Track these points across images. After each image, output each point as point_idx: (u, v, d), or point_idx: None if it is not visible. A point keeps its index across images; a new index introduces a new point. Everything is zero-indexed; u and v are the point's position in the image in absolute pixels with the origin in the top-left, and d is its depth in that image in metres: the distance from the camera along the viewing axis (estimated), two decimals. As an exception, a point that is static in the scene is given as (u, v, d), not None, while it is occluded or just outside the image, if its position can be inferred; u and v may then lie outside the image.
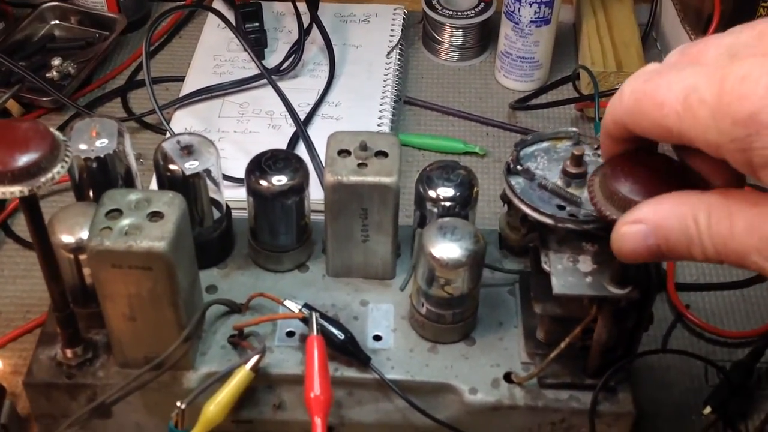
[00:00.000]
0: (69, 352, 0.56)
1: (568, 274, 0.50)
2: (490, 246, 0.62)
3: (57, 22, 0.94)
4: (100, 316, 0.53)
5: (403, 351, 0.57)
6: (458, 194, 0.58)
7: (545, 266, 0.51)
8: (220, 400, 0.52)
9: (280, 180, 0.58)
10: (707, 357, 0.63)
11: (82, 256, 0.54)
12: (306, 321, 0.55)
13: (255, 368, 0.54)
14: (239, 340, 0.57)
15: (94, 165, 0.57)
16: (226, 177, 0.73)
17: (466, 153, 0.83)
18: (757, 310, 0.70)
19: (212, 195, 0.60)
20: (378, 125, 0.83)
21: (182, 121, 0.83)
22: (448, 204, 0.58)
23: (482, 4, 0.91)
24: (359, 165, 0.56)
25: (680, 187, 0.40)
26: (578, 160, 0.51)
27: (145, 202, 0.51)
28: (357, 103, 0.86)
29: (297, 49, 0.89)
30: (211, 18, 0.94)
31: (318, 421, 0.50)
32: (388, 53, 0.91)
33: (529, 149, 0.54)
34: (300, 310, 0.56)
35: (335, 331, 0.56)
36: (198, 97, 0.85)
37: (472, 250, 0.53)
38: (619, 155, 0.44)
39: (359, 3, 0.98)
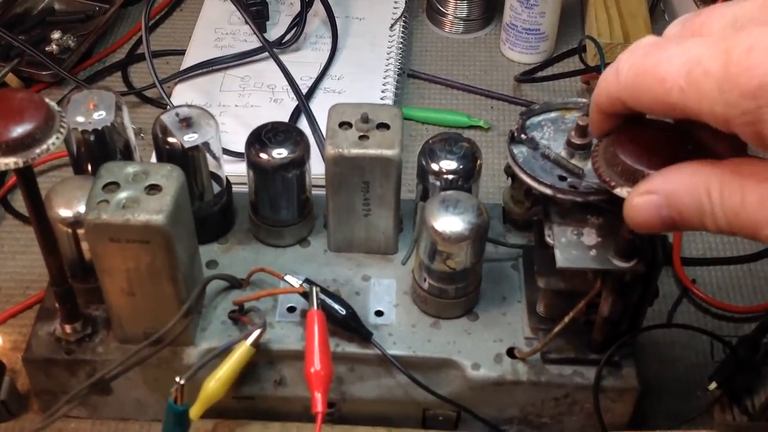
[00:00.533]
0: (68, 328, 0.55)
1: (572, 247, 0.49)
2: (494, 220, 0.61)
3: (56, -6, 0.93)
4: (99, 291, 0.53)
5: (405, 326, 0.57)
6: (461, 167, 0.57)
7: (549, 239, 0.50)
8: (221, 375, 0.52)
9: (280, 153, 0.57)
10: (713, 332, 0.62)
11: (80, 231, 0.53)
12: (307, 296, 0.55)
13: (255, 344, 0.53)
14: (240, 316, 0.56)
15: (92, 138, 0.56)
16: (226, 151, 0.72)
17: (471, 127, 0.82)
18: (765, 284, 0.70)
19: (212, 169, 0.59)
20: (381, 99, 0.82)
21: (183, 95, 0.82)
22: (450, 177, 0.57)
23: (487, -24, 0.90)
24: (360, 137, 0.56)
25: (685, 156, 0.39)
26: (583, 130, 0.50)
27: (143, 175, 0.50)
28: (360, 76, 0.85)
29: (299, 22, 0.87)
30: (212, -10, 0.93)
31: (318, 396, 0.50)
32: (392, 26, 0.90)
33: (536, 118, 0.53)
34: (301, 284, 0.55)
35: (336, 306, 0.55)
36: (199, 70, 0.84)
37: (475, 223, 0.53)
38: (623, 124, 0.43)
39: (362, -25, 0.96)
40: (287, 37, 0.87)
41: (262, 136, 0.58)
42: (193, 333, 0.55)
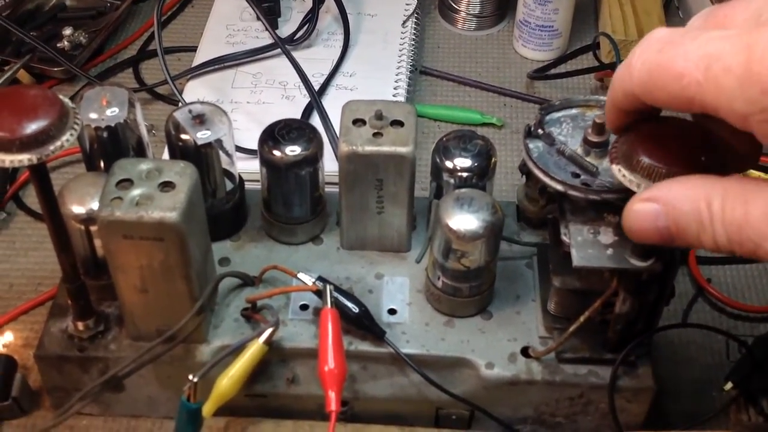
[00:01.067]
0: (80, 325, 0.55)
1: (588, 246, 0.49)
2: (508, 218, 0.61)
3: (68, -9, 0.93)
4: (112, 288, 0.53)
5: (418, 325, 0.56)
6: (476, 164, 0.57)
7: (565, 238, 0.50)
8: (233, 373, 0.52)
9: (293, 150, 0.57)
10: (729, 331, 0.62)
11: (93, 227, 0.53)
12: (320, 294, 0.54)
13: (268, 342, 0.53)
14: (252, 313, 0.56)
15: (105, 134, 0.56)
16: (239, 148, 0.72)
17: (484, 124, 0.82)
18: (781, 284, 0.69)
19: (225, 166, 0.59)
20: (393, 96, 0.81)
21: (195, 91, 0.82)
22: (465, 175, 0.57)
23: (500, -28, 0.90)
24: (374, 134, 0.55)
25: (703, 154, 0.38)
26: (600, 128, 0.50)
27: (156, 172, 0.50)
28: (372, 73, 0.84)
29: (311, 18, 0.87)
30: (224, -13, 0.93)
31: (332, 395, 0.50)
32: (404, 22, 0.90)
33: (555, 114, 0.53)
34: (314, 282, 0.55)
35: (349, 304, 0.55)
36: (211, 67, 0.84)
37: (490, 221, 0.52)
38: (642, 121, 0.42)
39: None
40: (299, 34, 0.87)
41: (276, 133, 0.58)
42: (205, 330, 0.55)
